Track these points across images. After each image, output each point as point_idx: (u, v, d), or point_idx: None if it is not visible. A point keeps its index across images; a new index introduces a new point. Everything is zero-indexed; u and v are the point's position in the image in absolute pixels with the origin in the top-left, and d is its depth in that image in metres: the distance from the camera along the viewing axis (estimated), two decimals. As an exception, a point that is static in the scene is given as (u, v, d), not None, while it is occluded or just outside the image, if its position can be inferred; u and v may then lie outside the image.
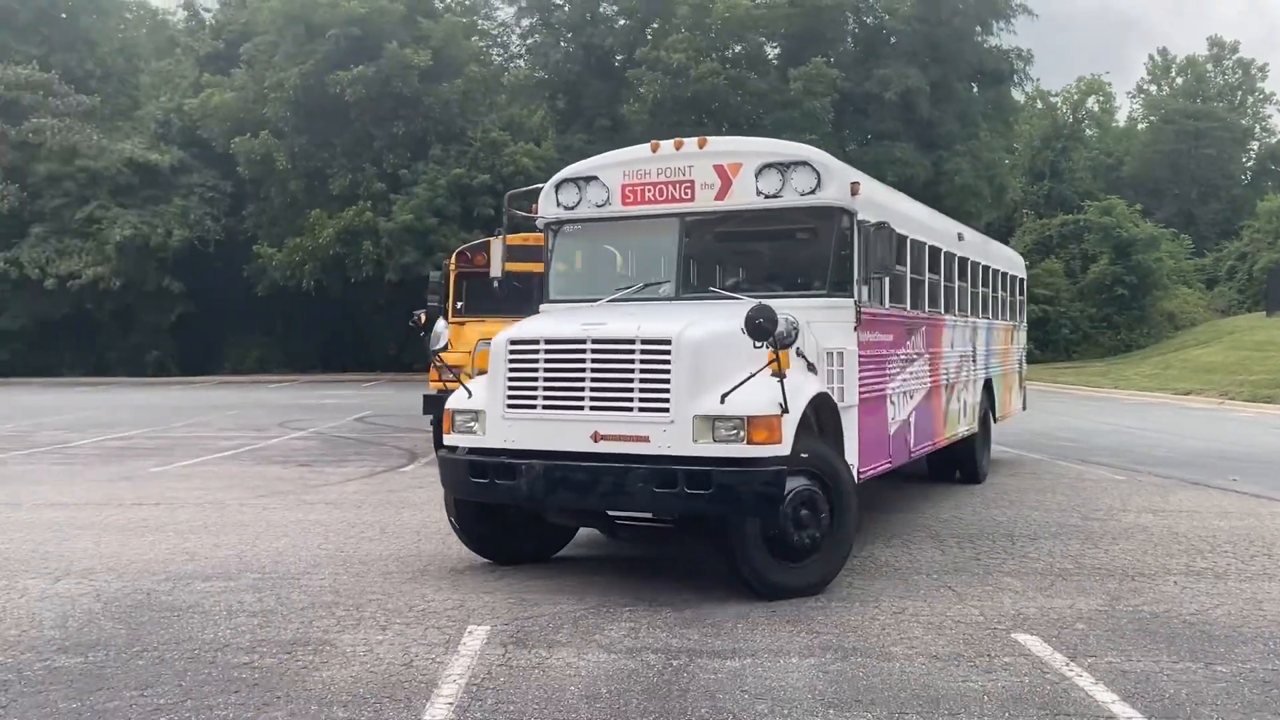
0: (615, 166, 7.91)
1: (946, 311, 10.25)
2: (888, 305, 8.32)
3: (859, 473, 7.50)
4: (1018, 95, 46.98)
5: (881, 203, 8.10)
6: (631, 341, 6.47)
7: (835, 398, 7.22)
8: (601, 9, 42.52)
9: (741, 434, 6.22)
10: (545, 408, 6.65)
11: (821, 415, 7.09)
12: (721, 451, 6.25)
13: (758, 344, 6.18)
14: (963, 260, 10.95)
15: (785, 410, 6.27)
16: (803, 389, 6.69)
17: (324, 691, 4.98)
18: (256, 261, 39.72)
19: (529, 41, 44.37)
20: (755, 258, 8.25)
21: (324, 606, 6.55)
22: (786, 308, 6.84)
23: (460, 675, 5.20)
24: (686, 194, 7.55)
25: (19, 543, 8.69)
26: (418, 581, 7.19)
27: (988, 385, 12.31)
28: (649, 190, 7.67)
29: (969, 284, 11.21)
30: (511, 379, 6.79)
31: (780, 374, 6.14)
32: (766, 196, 7.39)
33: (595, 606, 6.45)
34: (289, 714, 4.69)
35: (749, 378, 6.23)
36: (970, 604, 6.64)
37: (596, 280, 8.07)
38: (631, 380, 6.42)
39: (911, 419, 9.02)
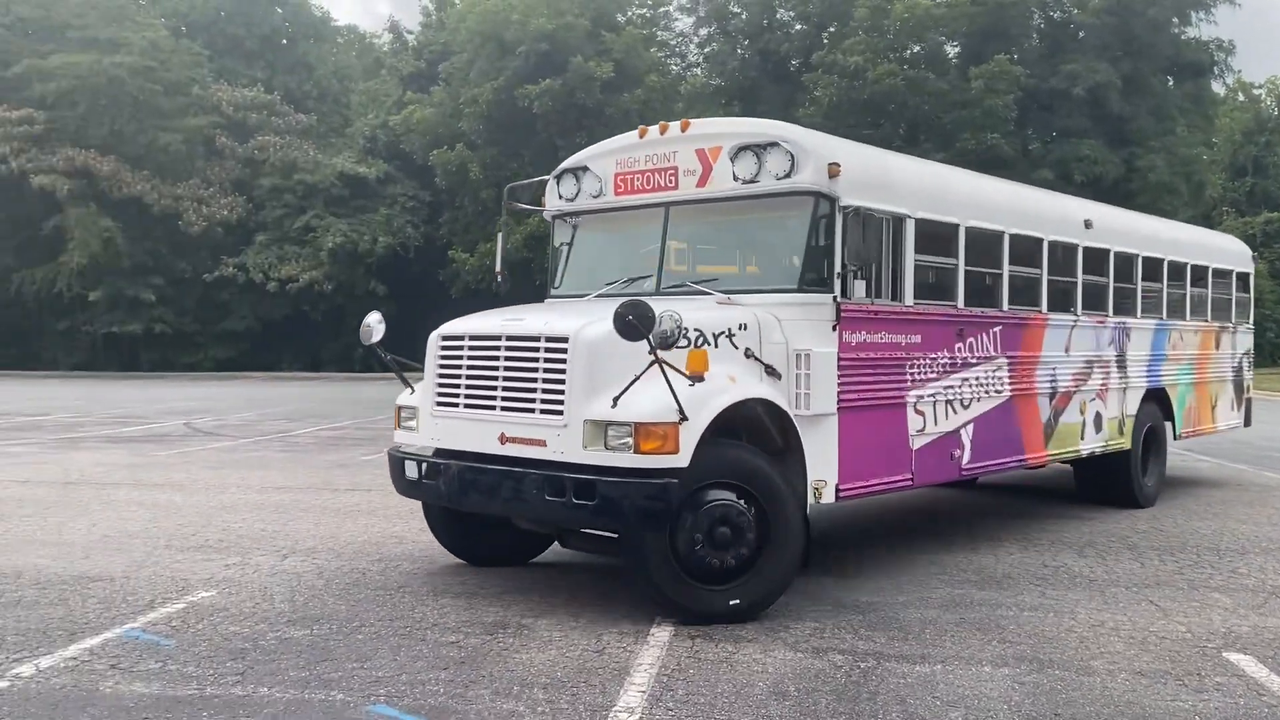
0: (608, 155, 7.60)
1: (1054, 310, 9.10)
2: (911, 301, 7.33)
3: (841, 489, 6.72)
4: (1218, 88, 43.70)
5: (888, 184, 7.17)
6: (536, 339, 6.08)
7: (800, 405, 6.47)
8: (779, 15, 42.20)
9: (631, 442, 5.67)
10: (466, 406, 6.40)
11: (786, 425, 6.46)
12: (611, 460, 5.72)
13: (635, 343, 5.56)
14: (1094, 251, 9.65)
15: (684, 418, 5.68)
16: (720, 394, 5.94)
17: (524, 672, 5.10)
18: (451, 266, 41.29)
19: (706, 50, 44.44)
20: (733, 249, 7.42)
21: (520, 592, 6.73)
22: (757, 304, 6.51)
23: (651, 665, 5.24)
24: (670, 181, 7.12)
25: (251, 522, 9.30)
26: (608, 576, 7.27)
27: (1158, 396, 10.83)
28: (638, 179, 7.30)
29: (1109, 278, 9.89)
30: (439, 376, 6.60)
31: (666, 377, 5.55)
32: (744, 182, 6.79)
33: (778, 605, 6.36)
34: (494, 692, 4.83)
35: (633, 381, 5.66)
36: (1175, 620, 6.25)
37: (597, 272, 7.61)
38: (535, 380, 6.05)
39: (966, 431, 7.98)
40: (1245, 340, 12.99)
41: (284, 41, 52.49)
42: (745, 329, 6.40)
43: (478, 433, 6.28)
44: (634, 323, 5.44)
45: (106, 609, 6.25)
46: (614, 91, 38.86)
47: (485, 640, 5.64)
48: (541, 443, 5.97)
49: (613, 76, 38.32)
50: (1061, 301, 9.31)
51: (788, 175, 6.67)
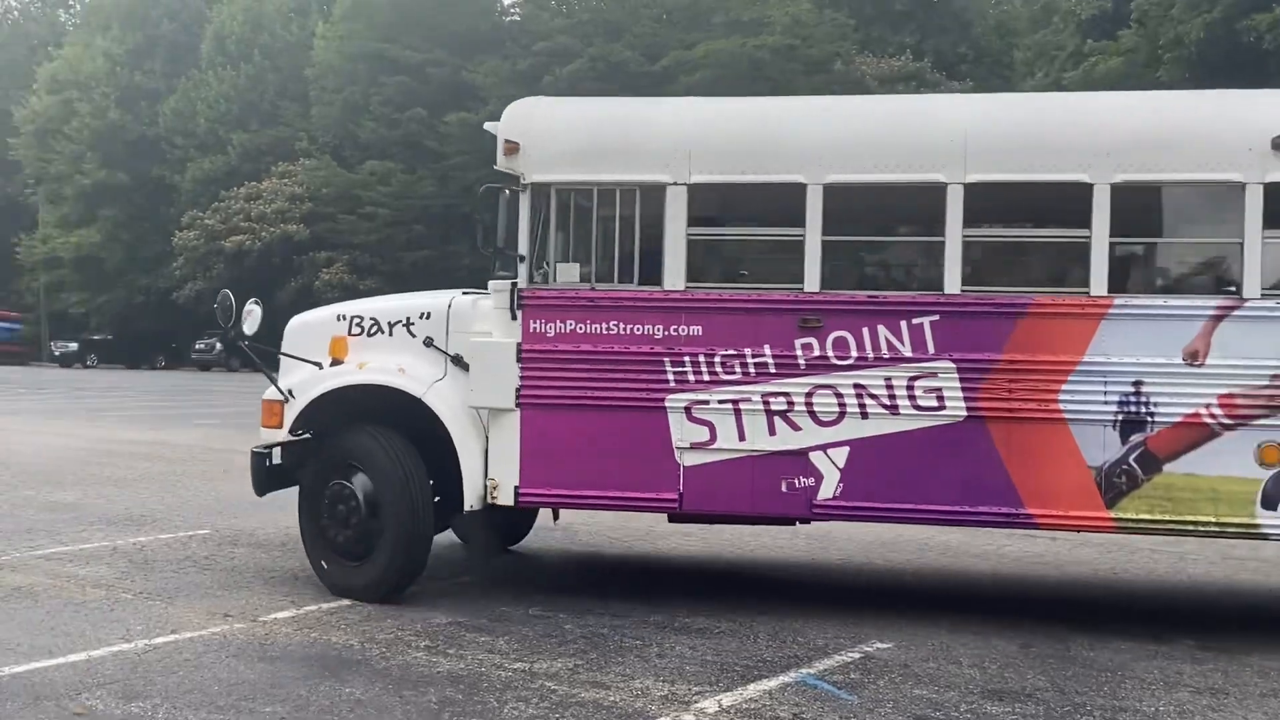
0: None
1: (1147, 289, 6.66)
2: (680, 285, 6.81)
3: (521, 492, 6.99)
4: None
5: (625, 149, 6.89)
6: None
7: (475, 397, 6.99)
8: None
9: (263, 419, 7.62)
10: None
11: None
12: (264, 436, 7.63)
13: (320, 328, 7.43)
14: None
15: (290, 398, 7.19)
16: (332, 379, 7.16)
17: None
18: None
19: None
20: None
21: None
22: (485, 293, 7.23)
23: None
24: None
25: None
26: None
27: None
28: None
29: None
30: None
31: (256, 361, 7.32)
32: (499, 167, 7.38)
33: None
34: None
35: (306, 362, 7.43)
36: None
37: None
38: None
39: (828, 456, 6.68)
40: None
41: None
42: (427, 318, 7.26)
43: None
44: (218, 311, 7.12)
45: (780, 647, 6.30)
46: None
47: None
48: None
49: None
50: (1160, 278, 6.95)
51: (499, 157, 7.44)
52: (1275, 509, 6.42)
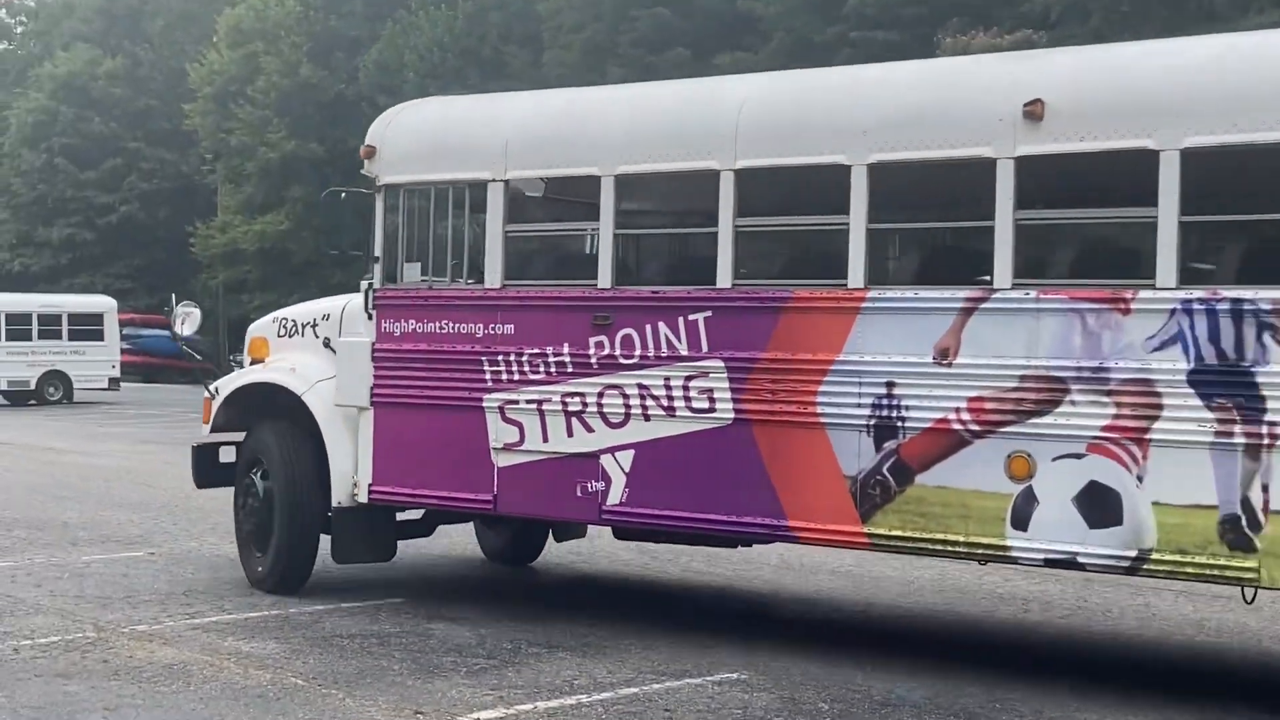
0: None
1: (901, 280, 7.34)
2: (498, 283, 7.93)
3: (373, 490, 8.34)
4: None
5: (462, 147, 8.33)
6: None
7: (340, 395, 8.43)
8: None
9: None
10: None
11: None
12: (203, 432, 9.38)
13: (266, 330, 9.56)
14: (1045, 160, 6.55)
15: (214, 395, 9.21)
16: (241, 378, 9.42)
17: None
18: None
19: None
20: None
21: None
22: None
23: None
24: None
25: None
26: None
27: None
28: None
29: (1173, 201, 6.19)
30: None
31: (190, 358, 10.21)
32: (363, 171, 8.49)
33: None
34: None
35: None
36: None
37: None
38: None
39: (616, 460, 7.63)
40: None
41: None
42: (327, 319, 8.90)
43: None
44: (165, 313, 9.58)
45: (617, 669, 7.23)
46: None
47: None
48: None
49: None
50: (925, 268, 7.29)
51: None
52: (1025, 529, 6.41)
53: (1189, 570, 6.09)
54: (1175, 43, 6.89)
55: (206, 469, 9.51)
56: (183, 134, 54.96)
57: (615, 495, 7.53)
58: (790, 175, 7.27)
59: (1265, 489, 5.83)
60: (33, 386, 32.11)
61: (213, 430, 9.40)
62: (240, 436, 9.25)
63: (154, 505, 13.64)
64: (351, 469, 8.44)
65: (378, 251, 8.39)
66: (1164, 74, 6.29)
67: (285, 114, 50.18)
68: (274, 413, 8.89)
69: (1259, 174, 6.12)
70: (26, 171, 57.02)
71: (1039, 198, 6.55)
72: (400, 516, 9.04)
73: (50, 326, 33.05)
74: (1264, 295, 5.85)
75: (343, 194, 8.87)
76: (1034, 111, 6.34)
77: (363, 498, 8.40)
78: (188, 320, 9.59)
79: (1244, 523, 5.87)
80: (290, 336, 9.34)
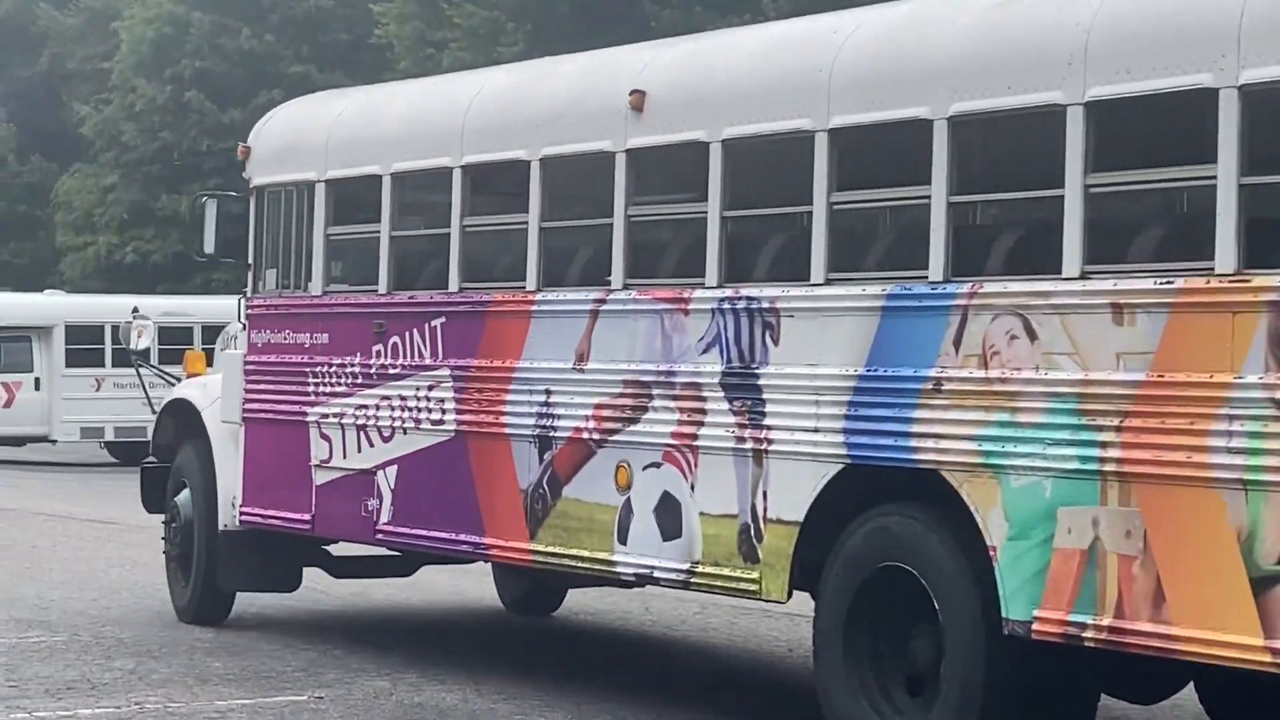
0: None
1: (557, 284, 6.72)
2: (319, 289, 7.68)
3: (242, 512, 7.94)
4: None
5: (305, 145, 8.10)
6: None
7: (223, 413, 8.17)
8: None
9: None
10: None
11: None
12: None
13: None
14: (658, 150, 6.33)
15: (154, 411, 9.19)
16: (174, 393, 9.14)
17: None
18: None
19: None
20: None
21: None
22: None
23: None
24: None
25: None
26: None
27: (912, 489, 5.52)
28: None
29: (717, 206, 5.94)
30: None
31: (140, 379, 9.92)
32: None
33: None
34: None
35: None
36: None
37: None
38: None
39: (385, 476, 7.25)
40: None
41: None
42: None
43: None
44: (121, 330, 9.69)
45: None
46: None
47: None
48: None
49: None
50: (584, 269, 6.76)
51: None
52: (626, 543, 6.02)
53: (719, 584, 5.80)
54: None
55: (156, 492, 8.94)
56: (371, 49, 32.61)
57: (385, 513, 7.33)
58: (493, 172, 7.33)
59: (765, 496, 5.46)
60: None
61: (154, 449, 9.17)
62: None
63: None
64: (234, 489, 8.07)
65: (250, 258, 8.15)
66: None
67: (522, 19, 27.98)
68: (195, 431, 8.53)
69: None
70: (143, 112, 34.74)
71: (647, 191, 6.49)
72: (337, 550, 8.44)
73: (175, 344, 19.98)
74: (766, 293, 5.54)
75: (203, 199, 8.77)
76: (635, 103, 6.23)
77: (236, 521, 7.97)
78: (144, 334, 9.52)
79: (752, 532, 5.52)
80: (224, 349, 9.16)
